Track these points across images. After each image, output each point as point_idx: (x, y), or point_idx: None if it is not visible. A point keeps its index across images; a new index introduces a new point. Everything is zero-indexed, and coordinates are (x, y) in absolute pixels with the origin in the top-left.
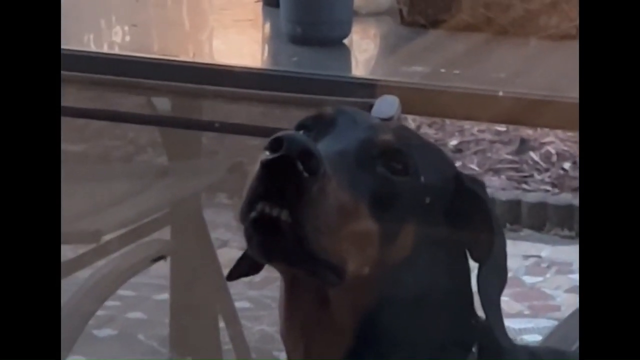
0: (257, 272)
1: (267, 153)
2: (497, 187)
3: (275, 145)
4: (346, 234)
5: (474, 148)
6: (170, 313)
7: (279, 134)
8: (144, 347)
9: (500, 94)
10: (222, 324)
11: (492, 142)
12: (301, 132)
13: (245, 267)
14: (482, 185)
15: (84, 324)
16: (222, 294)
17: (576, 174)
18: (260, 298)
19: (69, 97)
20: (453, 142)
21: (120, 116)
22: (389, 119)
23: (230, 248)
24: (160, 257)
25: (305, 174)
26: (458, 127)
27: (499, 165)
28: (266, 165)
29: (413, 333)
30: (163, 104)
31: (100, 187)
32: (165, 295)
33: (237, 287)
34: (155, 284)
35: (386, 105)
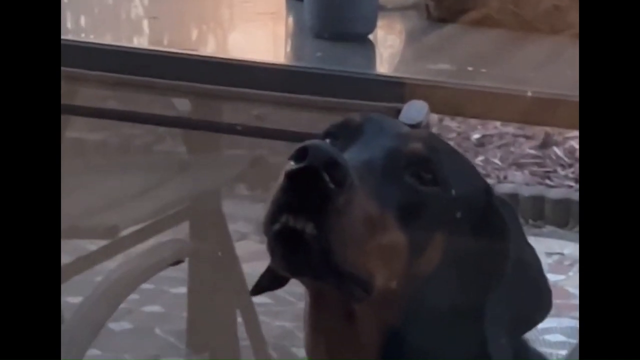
0: (282, 285)
1: (292, 163)
2: (520, 182)
3: (300, 155)
4: (373, 246)
5: (497, 142)
6: (187, 307)
7: (304, 143)
8: (160, 341)
9: (529, 94)
10: (240, 320)
11: (516, 136)
12: (327, 140)
13: (269, 281)
14: (510, 210)
15: (99, 326)
16: (241, 289)
17: None
18: (279, 293)
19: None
20: (476, 136)
21: (139, 117)
22: (418, 125)
23: (250, 241)
24: (179, 261)
25: (331, 185)
26: (481, 120)
27: (522, 160)
28: (291, 176)
29: (440, 350)
30: (183, 103)
31: (119, 180)
32: (182, 289)
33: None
34: (173, 277)
35: (415, 111)
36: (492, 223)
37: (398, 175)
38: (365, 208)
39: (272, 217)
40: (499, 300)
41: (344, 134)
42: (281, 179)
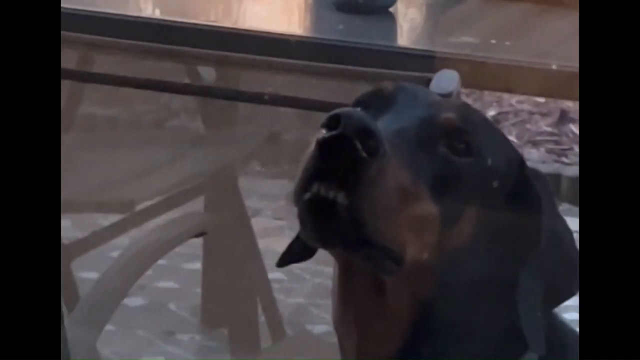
0: (310, 256)
1: (324, 131)
2: (536, 160)
3: (332, 122)
4: (406, 218)
5: (512, 119)
6: (202, 283)
7: (336, 111)
8: (175, 317)
9: (554, 67)
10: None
11: (531, 113)
12: (358, 109)
13: (297, 252)
14: (544, 182)
15: (118, 300)
16: (256, 264)
17: None
18: (294, 270)
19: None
20: (491, 113)
21: (161, 85)
22: (448, 95)
23: (264, 217)
24: (202, 233)
25: (364, 154)
26: (496, 97)
27: (538, 138)
28: (322, 144)
29: (472, 324)
30: (205, 72)
31: (134, 155)
32: (197, 265)
33: (271, 258)
34: (186, 253)
35: (446, 80)
36: (525, 195)
37: (431, 146)
38: (397, 178)
39: (303, 186)
40: (532, 274)
41: (376, 102)
42: (312, 146)
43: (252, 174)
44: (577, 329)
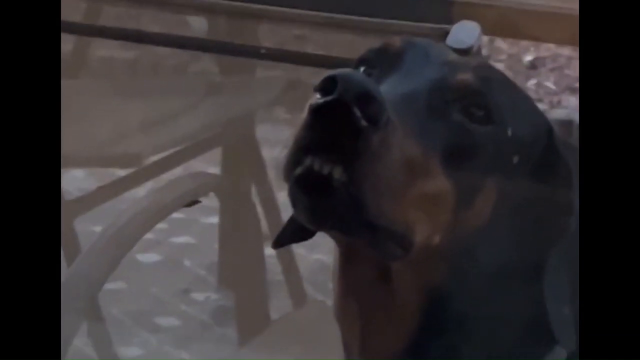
0: (309, 237)
1: (318, 96)
2: (574, 107)
3: (327, 86)
4: (414, 195)
5: (550, 65)
6: (219, 239)
7: (332, 72)
8: (190, 274)
9: None
10: (273, 253)
11: (571, 58)
12: (362, 68)
13: (294, 232)
14: (575, 152)
15: (116, 261)
16: (274, 217)
17: None
18: None
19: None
20: (528, 58)
21: (151, 38)
22: (468, 50)
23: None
24: (195, 202)
25: (364, 123)
26: (534, 41)
27: (577, 84)
28: (316, 111)
29: (490, 316)
30: (201, 24)
31: (147, 104)
32: (215, 219)
33: (290, 211)
34: (204, 206)
35: (464, 33)
36: (554, 169)
37: (445, 111)
38: (404, 149)
39: (294, 159)
40: (561, 260)
41: (382, 61)
42: (305, 114)
43: (276, 121)
44: None
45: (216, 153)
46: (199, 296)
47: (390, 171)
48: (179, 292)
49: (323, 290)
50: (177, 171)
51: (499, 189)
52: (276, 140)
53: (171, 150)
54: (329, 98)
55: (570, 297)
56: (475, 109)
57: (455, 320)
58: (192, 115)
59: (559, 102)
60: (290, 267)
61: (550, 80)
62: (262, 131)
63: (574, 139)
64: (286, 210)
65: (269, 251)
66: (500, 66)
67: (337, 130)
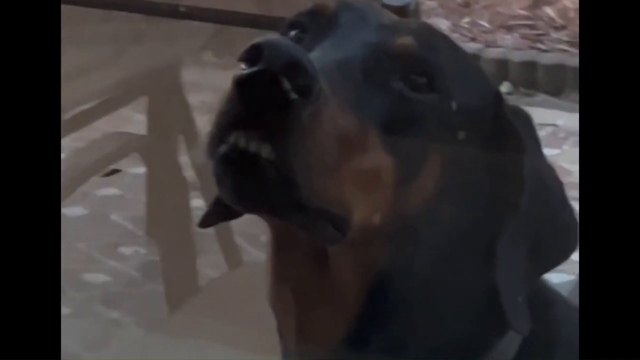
0: (238, 216)
1: (242, 66)
2: (509, 46)
3: (252, 55)
4: (350, 172)
5: (484, 1)
6: (147, 190)
7: (257, 40)
8: (117, 228)
9: None
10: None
11: None
12: (293, 33)
13: (221, 212)
14: (527, 121)
15: None
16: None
17: None
18: None
19: None
20: None
21: None
22: (405, 10)
23: None
24: (115, 171)
25: (294, 95)
26: None
27: (512, 22)
28: (240, 83)
29: (438, 301)
30: None
31: (71, 53)
32: (142, 169)
33: None
34: (132, 155)
35: None
36: (503, 140)
37: (383, 79)
38: (338, 123)
39: (218, 136)
40: (513, 239)
41: (315, 24)
42: (228, 86)
43: (205, 65)
44: (566, 295)
45: (142, 101)
46: (127, 250)
47: (322, 147)
48: (107, 246)
49: (255, 244)
50: (102, 122)
51: (443, 162)
52: (204, 84)
53: (97, 101)
54: (254, 69)
55: (523, 278)
56: (416, 77)
57: (400, 306)
58: (117, 64)
59: (493, 41)
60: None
61: (484, 18)
62: (189, 75)
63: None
64: None
65: (198, 202)
66: (432, 5)
67: (264, 104)
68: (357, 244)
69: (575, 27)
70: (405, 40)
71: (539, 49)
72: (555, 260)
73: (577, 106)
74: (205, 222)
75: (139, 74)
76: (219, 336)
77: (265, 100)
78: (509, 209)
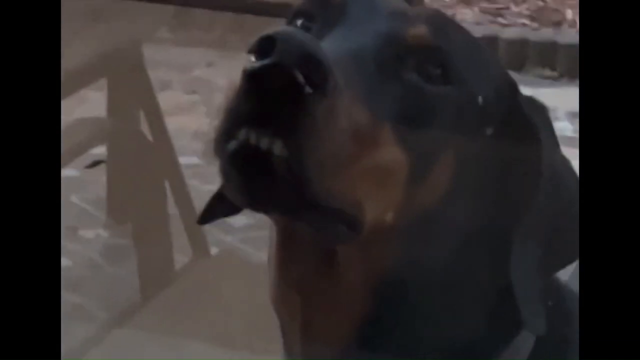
0: (238, 211)
1: (253, 59)
2: (469, 21)
3: (264, 47)
4: (363, 169)
5: None
6: (107, 172)
7: (270, 31)
8: (76, 210)
9: None
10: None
11: None
12: (299, 22)
13: (222, 207)
14: (543, 114)
15: None
16: (165, 147)
17: (558, 6)
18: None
19: None
20: None
21: None
22: None
23: (174, 91)
24: (98, 162)
25: (308, 89)
26: None
27: None
28: (251, 77)
29: (451, 301)
30: None
31: None
32: (102, 149)
33: (182, 139)
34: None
35: None
36: (519, 133)
37: (396, 70)
38: (351, 117)
39: (227, 132)
40: (529, 235)
41: (322, 13)
42: (238, 80)
43: (159, 41)
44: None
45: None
46: (87, 233)
47: (337, 144)
48: (66, 229)
49: (219, 224)
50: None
51: (458, 157)
52: (159, 61)
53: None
54: (266, 61)
55: (538, 276)
56: (431, 67)
57: (411, 307)
58: (75, 43)
59: (453, 16)
60: (184, 200)
61: None
62: (145, 52)
63: None
64: (176, 137)
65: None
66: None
67: (276, 99)
68: (368, 244)
69: (535, 1)
70: (419, 30)
71: (499, 24)
72: (571, 256)
73: (538, 80)
74: (204, 219)
75: (98, 53)
76: (192, 331)
77: (277, 95)
78: (524, 205)
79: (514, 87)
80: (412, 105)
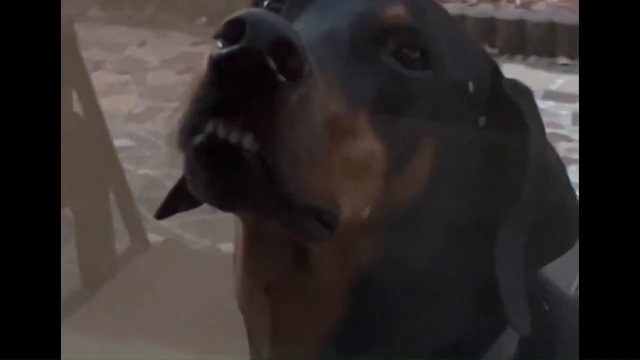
0: (197, 205)
1: (220, 44)
2: None
3: (232, 31)
4: (339, 161)
5: None
6: None
7: (239, 14)
8: None
9: None
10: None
11: None
12: (266, 3)
13: (181, 201)
14: (529, 99)
15: None
16: (100, 130)
17: None
18: (143, 134)
19: None
20: None
21: None
22: None
23: (106, 71)
24: None
25: (282, 78)
26: None
27: None
28: (219, 64)
29: (431, 300)
30: None
31: None
32: None
33: (115, 122)
34: None
35: None
36: (503, 119)
37: (373, 54)
38: (327, 106)
39: (192, 124)
40: (515, 228)
41: None
42: (203, 67)
43: (90, 21)
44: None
45: None
46: None
47: (312, 135)
48: None
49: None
50: None
51: (439, 147)
52: (89, 40)
53: None
54: (235, 47)
55: (524, 271)
56: (409, 51)
57: (390, 306)
58: None
59: None
60: (119, 181)
61: None
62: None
63: None
64: (108, 119)
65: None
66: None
67: (247, 88)
68: (344, 240)
69: None
70: (397, 10)
71: (467, 3)
72: (558, 251)
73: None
74: (162, 213)
75: None
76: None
77: (248, 84)
78: (510, 196)
79: (496, 70)
80: (390, 91)
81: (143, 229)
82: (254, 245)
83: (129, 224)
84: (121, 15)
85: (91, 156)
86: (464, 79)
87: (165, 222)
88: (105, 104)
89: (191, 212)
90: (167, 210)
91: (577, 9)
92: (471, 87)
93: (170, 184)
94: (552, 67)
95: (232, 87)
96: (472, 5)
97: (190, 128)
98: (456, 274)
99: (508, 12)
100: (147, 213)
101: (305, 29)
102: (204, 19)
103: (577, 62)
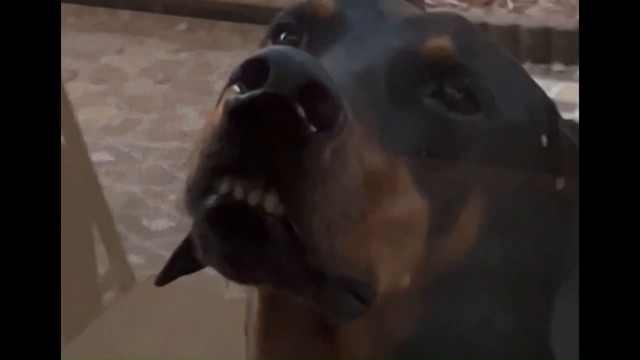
0: (200, 268)
1: (237, 89)
2: None
3: (253, 72)
4: (380, 224)
5: None
6: None
7: (261, 53)
8: None
9: None
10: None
11: None
12: (282, 36)
13: (184, 266)
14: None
15: None
16: (76, 144)
17: None
18: (122, 148)
19: None
20: None
21: None
22: None
23: (82, 81)
24: None
25: (312, 128)
26: None
27: None
28: (236, 112)
29: None
30: None
31: None
32: None
33: (91, 134)
34: None
35: None
36: (561, 165)
37: (413, 95)
38: (364, 160)
39: (204, 184)
40: (575, 293)
41: (309, 26)
42: (217, 115)
43: (64, 27)
44: None
45: None
46: None
47: (347, 196)
48: None
49: (135, 226)
50: None
51: (488, 200)
52: (64, 48)
53: None
54: (256, 92)
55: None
56: (453, 91)
57: None
58: None
59: None
60: (97, 199)
61: None
62: None
63: None
64: (84, 131)
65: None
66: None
67: (269, 140)
68: (377, 312)
69: None
70: (440, 42)
71: (426, 4)
72: None
73: None
74: (163, 279)
75: None
76: None
77: (271, 135)
78: (569, 255)
79: (552, 109)
80: (434, 139)
81: (122, 250)
82: (271, 318)
83: (107, 244)
84: (96, 21)
85: (70, 172)
86: (517, 123)
87: (147, 242)
88: (81, 114)
89: (175, 229)
90: (168, 277)
91: (571, 13)
92: (525, 131)
93: (150, 201)
94: (547, 74)
95: (251, 140)
96: (463, 10)
97: (201, 188)
98: (504, 345)
99: (500, 16)
100: (126, 232)
101: (333, 67)
102: (183, 25)
103: (572, 68)
